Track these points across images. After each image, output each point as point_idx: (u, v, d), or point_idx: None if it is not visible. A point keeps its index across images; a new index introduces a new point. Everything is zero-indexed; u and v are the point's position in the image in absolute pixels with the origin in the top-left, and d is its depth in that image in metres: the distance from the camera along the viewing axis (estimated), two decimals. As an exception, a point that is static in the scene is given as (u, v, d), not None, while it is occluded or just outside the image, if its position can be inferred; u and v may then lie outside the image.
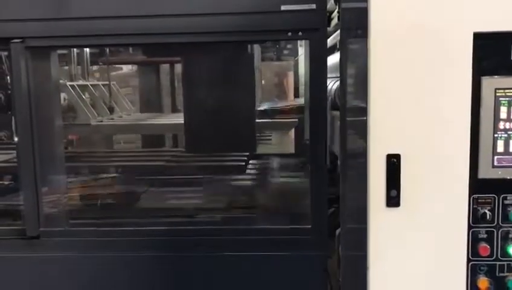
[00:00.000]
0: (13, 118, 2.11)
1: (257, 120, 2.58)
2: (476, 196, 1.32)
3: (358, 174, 1.42)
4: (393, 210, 1.30)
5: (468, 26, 1.25)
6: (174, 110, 4.13)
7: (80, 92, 3.04)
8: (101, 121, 3.07)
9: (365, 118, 1.34)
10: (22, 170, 2.09)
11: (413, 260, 1.34)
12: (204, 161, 2.81)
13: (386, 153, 1.29)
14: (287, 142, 3.59)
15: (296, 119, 2.91)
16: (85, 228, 2.17)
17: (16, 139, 2.12)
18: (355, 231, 1.49)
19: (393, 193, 1.29)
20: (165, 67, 4.13)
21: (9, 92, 3.02)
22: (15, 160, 3.09)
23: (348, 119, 1.56)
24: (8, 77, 3.04)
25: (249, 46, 2.49)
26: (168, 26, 1.98)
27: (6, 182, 3.19)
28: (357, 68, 1.47)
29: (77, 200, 2.59)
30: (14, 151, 3.21)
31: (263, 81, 4.07)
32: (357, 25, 1.47)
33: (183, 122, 2.44)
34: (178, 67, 3.98)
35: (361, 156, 1.38)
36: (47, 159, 2.18)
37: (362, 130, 1.37)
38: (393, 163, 1.28)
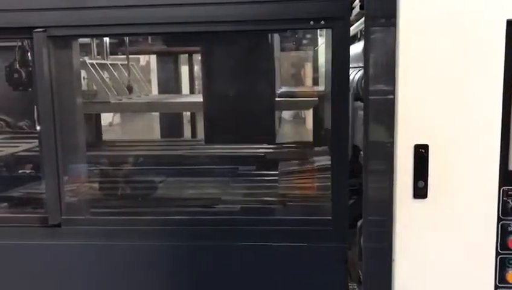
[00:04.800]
0: (35, 107, 2.13)
1: (277, 99, 2.55)
2: (506, 188, 1.29)
3: (383, 165, 1.40)
4: (420, 201, 1.28)
5: (501, 14, 1.22)
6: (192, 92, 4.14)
7: (99, 70, 3.04)
8: (121, 100, 3.07)
9: (391, 108, 1.32)
10: (44, 158, 2.11)
11: (440, 253, 1.32)
12: (223, 151, 2.80)
13: (414, 144, 1.26)
14: (304, 132, 3.57)
15: (316, 98, 2.87)
16: (105, 217, 2.19)
17: (38, 128, 2.13)
18: (378, 222, 1.48)
19: (421, 184, 1.27)
20: (184, 57, 4.13)
21: (29, 69, 3.03)
22: (36, 149, 3.13)
23: (372, 109, 1.54)
24: (29, 54, 3.06)
25: (269, 35, 2.46)
26: (189, 15, 1.97)
27: (27, 171, 3.24)
28: (382, 57, 1.45)
29: (100, 189, 2.61)
30: (35, 141, 3.26)
31: (283, 71, 4.04)
32: (383, 14, 1.44)
33: (199, 100, 2.43)
34: (197, 57, 3.98)
35: (386, 146, 1.36)
36: (69, 147, 2.19)
37: (387, 120, 1.34)
38: (421, 154, 1.25)
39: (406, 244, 1.32)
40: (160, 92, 4.05)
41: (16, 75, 3.07)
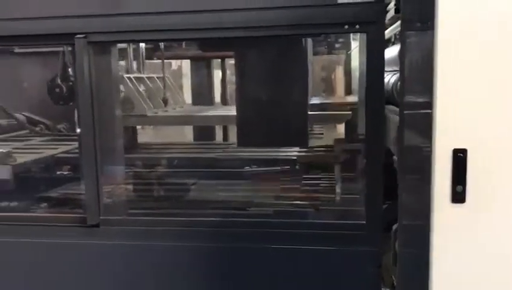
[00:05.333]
0: (76, 110, 2.20)
1: (310, 112, 2.56)
2: (546, 193, 1.27)
3: (419, 169, 1.39)
4: (458, 206, 1.27)
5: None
6: (225, 103, 4.18)
7: (136, 84, 3.13)
8: (156, 113, 3.14)
9: (428, 112, 1.31)
10: (84, 160, 2.18)
11: (478, 258, 1.30)
12: (255, 154, 2.83)
13: (453, 148, 1.25)
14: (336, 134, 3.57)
15: (350, 112, 2.87)
16: (143, 218, 2.23)
17: (78, 130, 2.21)
18: (414, 227, 1.47)
19: (459, 188, 1.26)
20: (217, 61, 4.18)
21: (70, 83, 3.14)
22: (74, 151, 3.23)
23: (408, 113, 1.53)
24: (70, 69, 3.17)
25: (303, 39, 2.48)
26: (225, 21, 2.00)
27: (65, 172, 3.34)
28: (419, 61, 1.44)
29: (134, 191, 2.67)
30: (74, 143, 3.36)
31: (314, 75, 4.05)
32: (420, 17, 1.43)
33: (233, 114, 2.47)
34: (229, 61, 4.02)
35: (423, 150, 1.35)
36: (107, 150, 2.25)
37: (424, 124, 1.34)
38: (459, 158, 1.25)
39: (443, 249, 1.31)
40: (194, 95, 4.10)
41: (57, 90, 3.20)
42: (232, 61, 3.99)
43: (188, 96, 4.38)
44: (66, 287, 2.28)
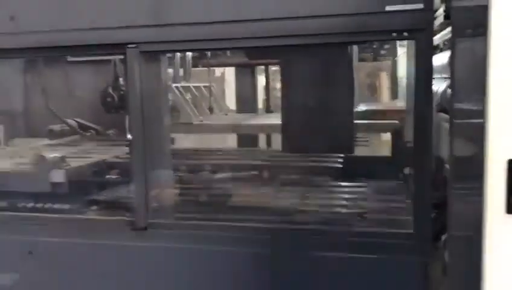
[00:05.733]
0: (127, 117, 2.28)
1: (355, 121, 2.55)
2: None
3: (471, 180, 1.36)
4: (513, 217, 1.23)
5: None
6: (269, 110, 4.20)
7: (183, 92, 3.22)
8: (202, 121, 3.21)
9: (480, 121, 1.28)
10: (133, 165, 2.25)
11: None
12: (300, 161, 2.82)
13: (507, 159, 1.22)
14: (382, 144, 3.51)
15: (397, 121, 2.83)
16: (189, 222, 2.28)
17: (128, 136, 2.28)
18: (465, 238, 1.43)
19: (515, 199, 1.22)
20: (260, 68, 4.22)
21: (121, 92, 3.26)
22: (122, 156, 3.34)
23: (459, 122, 1.50)
24: (120, 79, 3.30)
25: (348, 46, 2.47)
26: (271, 29, 2.03)
27: (113, 176, 3.45)
28: (471, 69, 1.41)
29: (180, 195, 2.73)
30: (122, 148, 3.47)
31: (359, 82, 4.01)
32: (471, 23, 1.41)
33: (277, 122, 2.48)
34: (272, 68, 4.05)
35: (474, 160, 1.32)
36: (155, 155, 2.32)
37: (476, 134, 1.31)
38: (515, 169, 1.21)
39: (496, 261, 1.27)
40: (238, 102, 4.15)
41: (109, 99, 3.35)
42: (275, 68, 4.02)
43: (230, 102, 4.44)
44: (113, 287, 2.35)
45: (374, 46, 3.69)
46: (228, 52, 3.69)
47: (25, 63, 4.40)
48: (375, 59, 4.04)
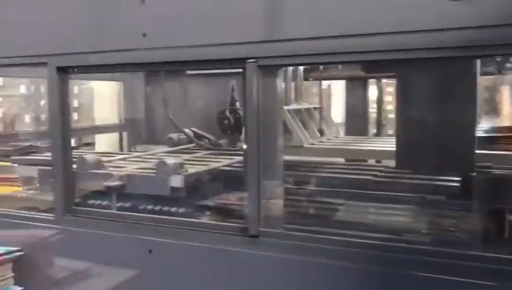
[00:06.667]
0: (243, 128, 2.38)
1: (477, 151, 2.40)
2: None
3: None
4: None
5: None
6: (379, 133, 4.10)
7: (294, 115, 3.28)
8: (312, 144, 3.23)
9: None
10: (248, 174, 2.34)
11: None
12: (415, 178, 2.73)
13: None
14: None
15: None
16: (301, 233, 2.30)
17: (244, 147, 2.38)
18: None
19: None
20: (371, 81, 4.14)
21: (237, 116, 3.44)
22: (234, 165, 3.48)
23: None
24: (237, 103, 3.50)
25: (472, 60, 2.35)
26: (389, 43, 2.00)
27: (224, 184, 3.61)
28: None
29: (289, 206, 2.77)
30: (233, 157, 3.63)
31: (482, 98, 3.77)
32: None
33: (392, 149, 2.41)
34: (384, 81, 3.96)
35: None
36: (268, 166, 2.39)
37: None
38: None
39: None
40: (347, 118, 4.11)
41: (226, 122, 3.58)
42: (385, 80, 3.93)
43: (337, 117, 4.41)
44: (221, 290, 2.44)
45: (499, 59, 3.45)
46: (340, 66, 3.69)
47: (147, 76, 4.80)
48: (499, 72, 3.77)
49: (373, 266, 2.11)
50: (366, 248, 2.15)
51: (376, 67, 3.32)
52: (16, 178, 3.87)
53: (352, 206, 2.83)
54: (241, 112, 3.79)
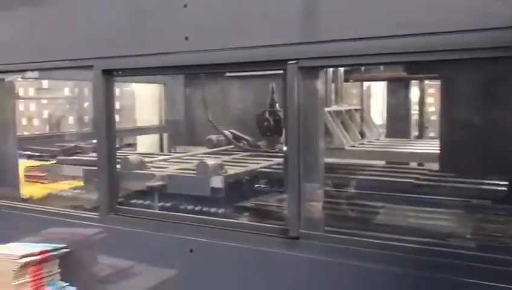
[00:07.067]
0: (284, 129, 2.39)
1: None
2: None
3: None
4: None
5: None
6: (422, 135, 4.01)
7: (335, 117, 3.26)
8: (353, 146, 3.21)
9: None
10: (288, 176, 2.34)
11: None
12: (460, 182, 2.66)
13: None
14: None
15: None
16: (342, 236, 2.29)
17: (285, 148, 2.39)
18: None
19: None
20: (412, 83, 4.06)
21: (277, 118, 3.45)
22: (272, 166, 3.50)
23: None
24: (277, 105, 3.50)
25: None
26: (433, 43, 1.96)
27: (262, 185, 3.63)
28: None
29: (329, 209, 2.76)
30: (271, 159, 3.64)
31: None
32: None
33: (436, 152, 2.35)
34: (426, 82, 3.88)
35: None
36: (308, 168, 2.38)
37: None
38: None
39: None
40: (388, 117, 4.05)
41: (265, 123, 3.61)
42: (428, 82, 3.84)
43: (377, 119, 4.34)
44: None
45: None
46: (381, 67, 3.64)
47: (186, 78, 4.89)
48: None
49: (414, 270, 2.07)
50: (408, 252, 2.12)
51: (419, 68, 3.26)
52: (43, 176, 4.00)
53: (394, 210, 2.79)
54: (280, 114, 3.80)
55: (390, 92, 4.05)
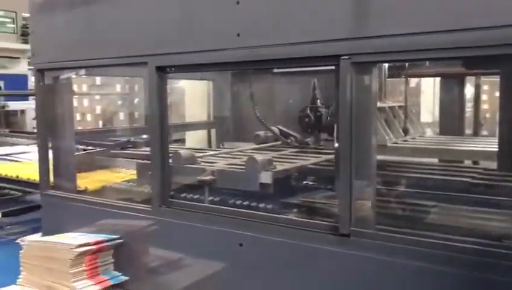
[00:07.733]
0: (335, 125, 2.37)
1: None
2: None
3: None
4: None
5: None
6: (477, 133, 3.88)
7: (378, 114, 3.21)
8: (396, 143, 3.15)
9: None
10: (340, 173, 2.32)
11: None
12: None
13: None
14: None
15: None
16: (392, 234, 2.26)
17: (336, 145, 2.37)
18: None
19: None
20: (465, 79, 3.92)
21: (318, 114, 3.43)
22: (320, 163, 3.48)
23: None
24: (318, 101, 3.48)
25: None
26: (492, 37, 1.90)
27: (310, 182, 3.62)
28: None
29: (380, 207, 2.72)
30: (319, 156, 3.62)
31: None
32: None
33: (488, 150, 2.27)
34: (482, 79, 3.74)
35: None
36: (360, 165, 2.35)
37: None
38: None
39: None
40: (441, 114, 3.93)
41: (306, 119, 3.61)
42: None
43: (426, 117, 4.22)
44: (309, 288, 2.45)
45: None
46: (427, 63, 3.53)
47: (234, 75, 4.93)
48: None
49: (468, 271, 2.02)
50: (462, 252, 2.06)
51: (475, 63, 3.15)
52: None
53: (447, 209, 2.71)
54: (322, 110, 3.78)
55: (444, 89, 3.93)
